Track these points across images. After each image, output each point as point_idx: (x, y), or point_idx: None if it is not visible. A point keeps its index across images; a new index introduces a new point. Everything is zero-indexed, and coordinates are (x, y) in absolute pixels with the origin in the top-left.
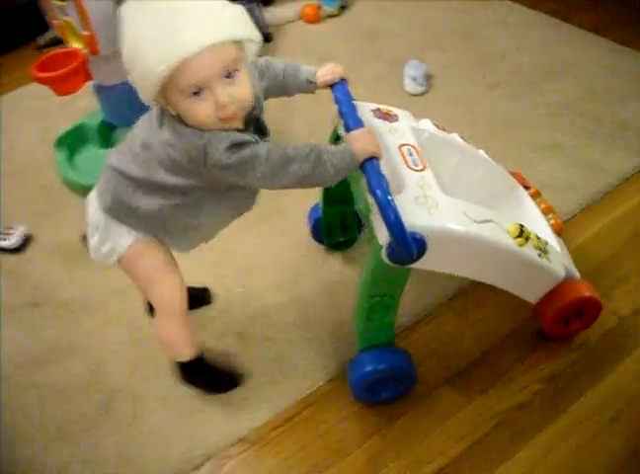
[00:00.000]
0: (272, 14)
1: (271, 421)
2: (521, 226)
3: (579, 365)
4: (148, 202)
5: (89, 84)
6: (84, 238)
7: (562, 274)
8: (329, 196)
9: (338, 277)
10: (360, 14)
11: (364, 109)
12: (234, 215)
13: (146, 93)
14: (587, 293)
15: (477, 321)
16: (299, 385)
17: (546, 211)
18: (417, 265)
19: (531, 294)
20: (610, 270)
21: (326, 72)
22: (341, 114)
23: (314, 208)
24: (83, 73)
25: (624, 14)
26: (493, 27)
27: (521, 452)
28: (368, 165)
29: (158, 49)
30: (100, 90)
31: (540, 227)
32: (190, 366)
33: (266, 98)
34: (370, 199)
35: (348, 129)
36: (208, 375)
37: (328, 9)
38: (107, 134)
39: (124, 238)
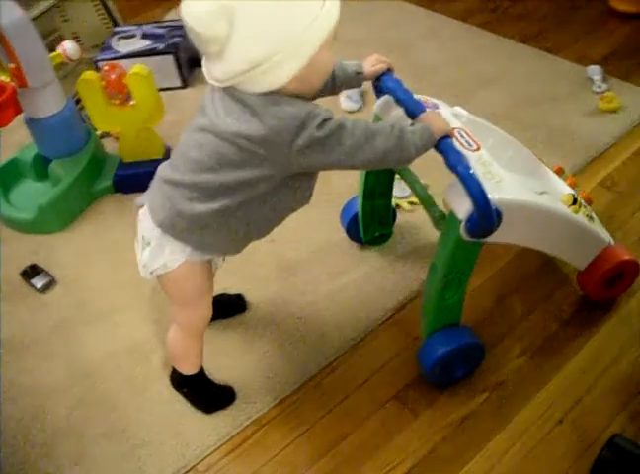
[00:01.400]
0: None
1: (219, 448)
2: (574, 195)
3: (524, 370)
4: (208, 208)
5: (20, 117)
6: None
7: (607, 239)
8: (368, 189)
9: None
10: None
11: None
12: (294, 209)
13: (291, 70)
14: (627, 256)
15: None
16: (247, 410)
17: (572, 186)
18: (490, 238)
19: (582, 260)
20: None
21: (374, 62)
22: (400, 100)
23: (348, 206)
24: (12, 106)
25: (549, 24)
26: (426, 40)
27: (471, 463)
28: (445, 143)
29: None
30: (32, 123)
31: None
32: (189, 379)
33: (314, 98)
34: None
35: (412, 114)
36: (203, 391)
37: None
38: (41, 168)
39: (177, 255)
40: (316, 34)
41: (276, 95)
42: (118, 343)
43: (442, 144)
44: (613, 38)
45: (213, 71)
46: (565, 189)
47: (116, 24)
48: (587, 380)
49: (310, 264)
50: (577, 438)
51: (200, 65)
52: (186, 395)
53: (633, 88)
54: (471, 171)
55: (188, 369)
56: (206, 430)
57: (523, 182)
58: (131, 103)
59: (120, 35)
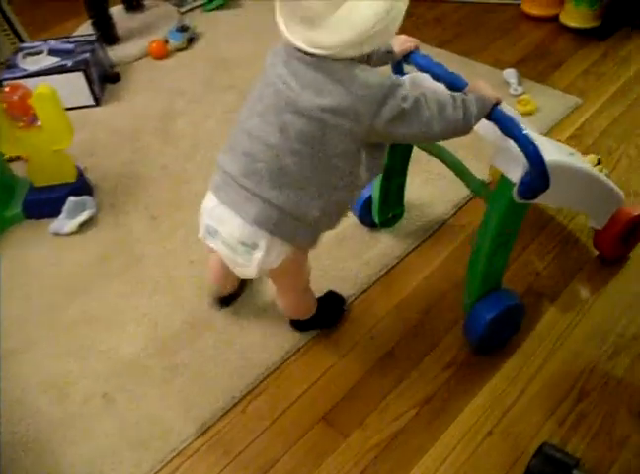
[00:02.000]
0: (117, 53)
1: None
2: (598, 158)
3: (452, 384)
4: (306, 197)
5: None
6: None
7: (623, 196)
8: (387, 170)
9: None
10: (210, 45)
11: (426, 77)
12: (371, 181)
13: (392, 33)
14: (638, 211)
15: (347, 351)
16: (170, 442)
17: None
18: (538, 199)
19: (603, 218)
20: None
21: (403, 42)
22: (439, 76)
23: None
24: None
25: (464, 29)
26: None
27: None
28: (497, 110)
29: None
30: None
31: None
32: (316, 314)
33: None
34: (500, 143)
35: (458, 87)
36: (326, 310)
37: (175, 43)
38: None
39: (286, 247)
40: None
41: (356, 61)
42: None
43: (495, 112)
44: (526, 41)
45: (320, 39)
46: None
47: (21, 40)
48: (515, 388)
49: None
50: (508, 449)
51: (111, 81)
52: (318, 325)
53: (547, 90)
54: (527, 134)
55: (312, 311)
56: (129, 468)
57: (555, 145)
58: (37, 124)
59: (26, 51)
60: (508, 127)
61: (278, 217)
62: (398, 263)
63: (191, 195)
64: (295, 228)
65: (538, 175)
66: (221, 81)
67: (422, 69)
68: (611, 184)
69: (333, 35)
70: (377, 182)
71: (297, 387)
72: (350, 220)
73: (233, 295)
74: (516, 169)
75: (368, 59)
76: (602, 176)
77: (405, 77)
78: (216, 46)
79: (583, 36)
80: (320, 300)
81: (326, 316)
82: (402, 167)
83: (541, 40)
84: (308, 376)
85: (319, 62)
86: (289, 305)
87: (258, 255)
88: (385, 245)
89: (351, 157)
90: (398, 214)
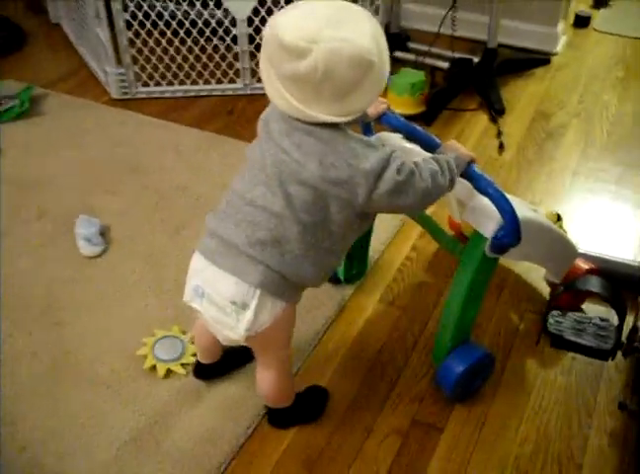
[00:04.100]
0: None
1: None
2: (556, 213)
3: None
4: (314, 265)
5: None
6: None
7: (577, 248)
8: None
9: None
10: (10, 162)
11: (395, 136)
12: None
13: (382, 85)
14: (588, 265)
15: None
16: None
17: None
18: (507, 253)
19: (563, 271)
20: None
21: (376, 103)
22: (414, 135)
23: None
24: None
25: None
26: (164, 156)
27: None
28: (472, 168)
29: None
30: None
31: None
32: (294, 406)
33: None
34: (470, 201)
35: (432, 146)
36: (305, 404)
37: None
38: None
39: (278, 304)
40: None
41: (347, 130)
42: None
43: (471, 170)
44: None
45: (350, 106)
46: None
47: None
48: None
49: None
50: None
51: None
52: (297, 421)
53: None
54: (501, 191)
55: (291, 399)
56: None
57: (518, 201)
58: None
59: None
60: (482, 184)
61: (279, 281)
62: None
63: None
64: (292, 288)
65: (512, 230)
66: (29, 207)
67: (396, 129)
68: (570, 240)
69: (362, 97)
70: None
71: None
72: None
73: (214, 368)
74: (489, 224)
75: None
76: (563, 232)
77: (374, 137)
78: (19, 164)
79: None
80: (301, 395)
81: (307, 410)
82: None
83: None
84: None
85: (321, 133)
86: (271, 383)
87: (248, 315)
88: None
89: (347, 224)
90: (362, 270)
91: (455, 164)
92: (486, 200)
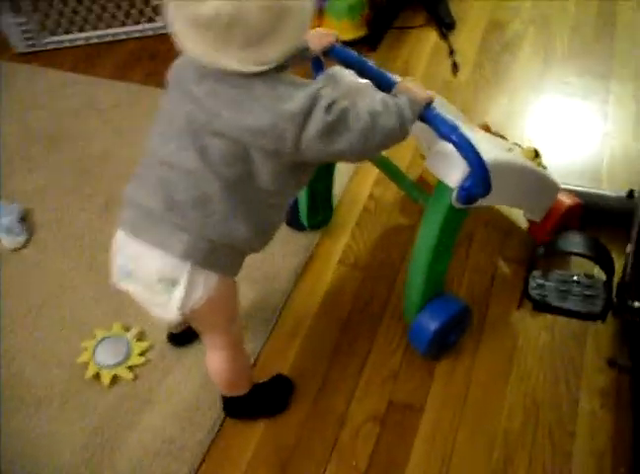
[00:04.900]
0: None
1: None
2: (534, 149)
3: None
4: (247, 225)
5: None
6: None
7: (560, 187)
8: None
9: None
10: None
11: (347, 73)
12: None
13: (304, 31)
14: (571, 200)
15: None
16: None
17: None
18: (478, 202)
19: (543, 210)
20: None
21: (320, 36)
22: (368, 72)
23: None
24: None
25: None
26: (83, 118)
27: None
28: (431, 112)
29: None
30: None
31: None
32: (250, 395)
33: None
34: (432, 146)
35: (388, 85)
36: (267, 394)
37: None
38: None
39: (213, 276)
40: None
41: (276, 71)
42: None
43: (429, 113)
44: None
45: (265, 54)
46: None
47: None
48: None
49: None
50: None
51: None
52: (256, 412)
53: None
54: (465, 136)
55: (247, 385)
56: None
57: (491, 141)
58: None
59: None
60: (444, 130)
61: (208, 248)
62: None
63: None
64: (225, 256)
65: (479, 179)
66: None
67: (346, 64)
68: (550, 177)
69: (279, 45)
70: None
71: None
72: None
73: (187, 334)
74: (454, 173)
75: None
76: (541, 170)
77: (324, 74)
78: None
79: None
80: (263, 386)
81: (269, 402)
82: (328, 169)
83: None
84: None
85: (239, 80)
86: (222, 365)
87: (179, 291)
88: None
89: (279, 178)
90: (328, 216)
91: (409, 106)
92: (450, 146)
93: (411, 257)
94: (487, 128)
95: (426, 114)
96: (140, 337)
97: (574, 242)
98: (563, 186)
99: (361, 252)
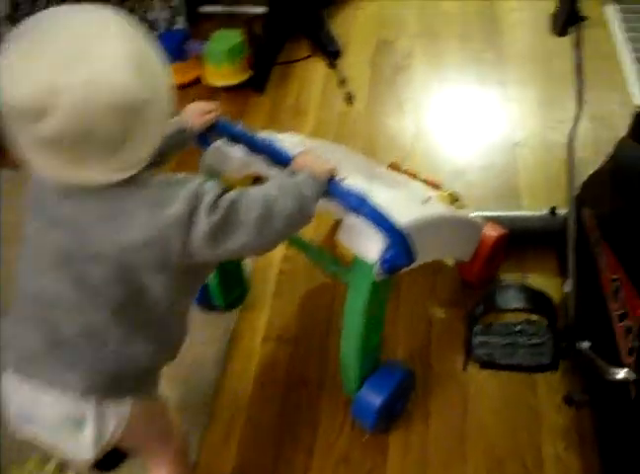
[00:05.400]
0: None
1: None
2: (451, 193)
3: None
4: (148, 346)
5: None
6: None
7: (482, 223)
8: None
9: None
10: None
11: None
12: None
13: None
14: (499, 231)
15: None
16: None
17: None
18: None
19: (470, 251)
20: None
21: (199, 112)
22: (261, 148)
23: None
24: None
25: None
26: None
27: None
28: (334, 185)
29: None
30: None
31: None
32: None
33: None
34: (343, 217)
35: (283, 161)
36: None
37: None
38: None
39: (123, 405)
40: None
41: (143, 171)
42: None
43: (333, 188)
44: None
45: (126, 160)
46: (422, 185)
47: None
48: None
49: None
50: None
51: None
52: None
53: None
54: (376, 208)
55: None
56: None
57: (404, 196)
58: None
59: None
60: (353, 204)
61: (110, 378)
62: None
63: None
64: (133, 379)
65: (400, 249)
66: None
67: (236, 140)
68: (472, 217)
69: (140, 146)
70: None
71: None
72: None
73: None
74: (371, 247)
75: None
76: (462, 214)
77: (210, 149)
78: None
79: (240, 90)
80: None
81: None
82: None
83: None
84: None
85: (107, 192)
86: None
87: (89, 430)
88: None
89: (175, 288)
90: (244, 290)
91: (309, 184)
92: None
93: (342, 336)
94: (397, 167)
95: (330, 188)
96: (61, 469)
97: (512, 297)
98: (484, 213)
99: (286, 322)
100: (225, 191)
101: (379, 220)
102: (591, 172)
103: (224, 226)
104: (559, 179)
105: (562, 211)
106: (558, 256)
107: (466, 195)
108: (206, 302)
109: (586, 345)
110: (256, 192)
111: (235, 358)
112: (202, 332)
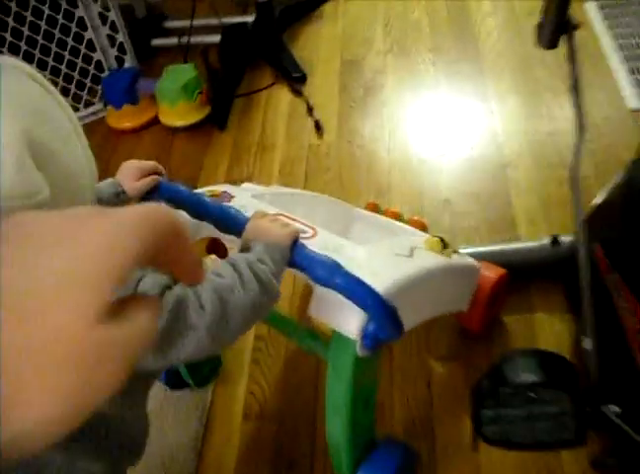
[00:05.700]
0: None
1: None
2: (440, 239)
3: None
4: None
5: None
6: None
7: (478, 266)
8: None
9: None
10: None
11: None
12: None
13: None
14: (497, 273)
15: None
16: None
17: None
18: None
19: (468, 299)
20: None
21: (136, 173)
22: (209, 215)
23: None
24: None
25: None
26: None
27: None
28: (299, 252)
29: None
30: None
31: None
32: None
33: None
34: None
35: (234, 229)
36: None
37: None
38: None
39: None
40: None
41: None
42: None
43: (299, 256)
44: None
45: None
46: (406, 229)
47: None
48: None
49: None
50: None
51: None
52: None
53: None
54: (349, 276)
55: None
56: None
57: (386, 250)
58: None
59: None
60: (323, 275)
61: None
62: None
63: None
64: None
65: (384, 321)
66: None
67: (177, 205)
68: (466, 262)
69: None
70: None
71: None
72: None
73: None
74: (350, 321)
75: None
76: (454, 261)
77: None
78: None
79: (199, 128)
80: None
81: None
82: None
83: (162, 149)
84: None
85: None
86: None
87: None
88: None
89: (124, 400)
90: (216, 364)
91: (271, 256)
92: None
93: (326, 419)
94: (375, 208)
95: (293, 257)
96: None
97: (524, 368)
98: (477, 249)
99: (267, 396)
100: (167, 287)
101: (354, 292)
102: (593, 191)
103: (169, 334)
104: (556, 199)
105: (565, 239)
106: (565, 289)
107: (455, 227)
108: (177, 382)
109: (614, 409)
110: (206, 284)
111: (212, 444)
112: (174, 418)
